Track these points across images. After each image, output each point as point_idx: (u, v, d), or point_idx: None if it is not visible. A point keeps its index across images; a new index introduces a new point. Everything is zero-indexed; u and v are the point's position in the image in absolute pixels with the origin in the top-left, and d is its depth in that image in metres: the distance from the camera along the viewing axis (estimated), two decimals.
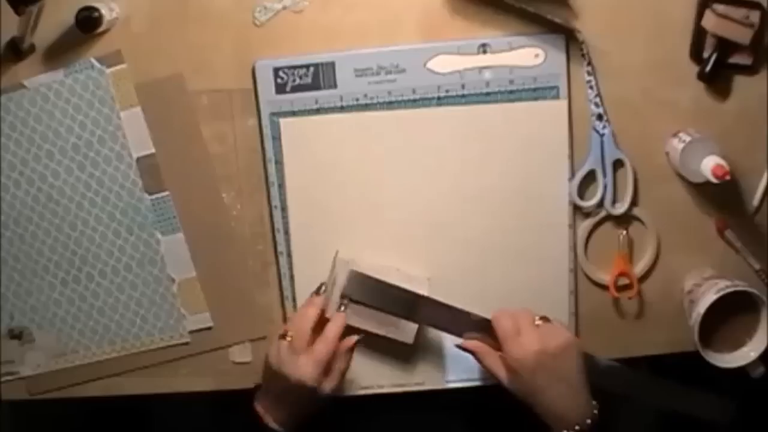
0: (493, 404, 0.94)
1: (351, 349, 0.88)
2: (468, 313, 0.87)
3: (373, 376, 0.95)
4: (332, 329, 0.86)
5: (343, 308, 0.89)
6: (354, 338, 0.88)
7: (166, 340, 0.97)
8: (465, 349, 0.87)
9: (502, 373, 0.84)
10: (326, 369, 0.85)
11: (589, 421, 0.81)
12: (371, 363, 0.94)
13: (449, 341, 0.93)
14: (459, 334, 0.88)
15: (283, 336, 0.86)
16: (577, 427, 0.81)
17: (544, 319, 0.84)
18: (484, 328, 0.86)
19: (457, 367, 0.94)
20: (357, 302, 0.88)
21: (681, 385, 0.90)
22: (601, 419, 0.82)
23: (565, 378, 0.82)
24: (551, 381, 0.81)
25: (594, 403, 0.83)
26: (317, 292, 0.89)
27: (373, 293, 0.88)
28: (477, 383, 0.95)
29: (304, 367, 0.84)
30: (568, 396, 0.82)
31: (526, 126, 0.90)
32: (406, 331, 0.91)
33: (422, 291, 0.90)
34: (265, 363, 0.87)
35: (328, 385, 0.86)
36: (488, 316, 0.86)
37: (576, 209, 0.93)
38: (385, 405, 0.96)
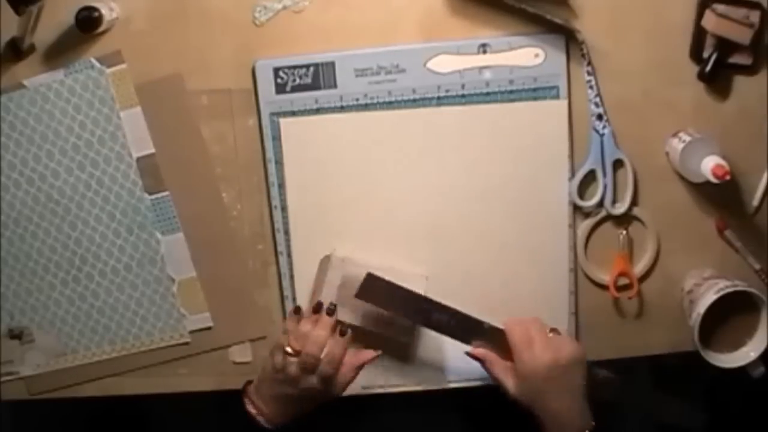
0: (493, 404, 0.94)
1: (361, 367, 0.88)
2: (480, 322, 0.87)
3: (373, 376, 0.95)
4: (337, 348, 0.84)
5: (348, 334, 0.86)
6: (369, 357, 0.88)
7: (166, 340, 0.97)
8: (474, 357, 0.87)
9: (509, 382, 0.85)
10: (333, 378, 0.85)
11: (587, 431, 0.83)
12: (371, 363, 0.94)
13: (449, 342, 0.93)
14: (468, 342, 0.88)
15: (290, 354, 0.84)
16: None
17: (554, 330, 0.86)
18: (493, 336, 0.86)
19: (458, 367, 0.94)
20: (369, 304, 0.88)
21: (664, 396, 0.93)
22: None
23: (571, 389, 0.83)
24: (559, 392, 0.83)
25: (590, 414, 0.84)
26: (316, 310, 0.87)
27: (386, 297, 0.87)
28: (477, 383, 0.95)
29: (314, 385, 0.84)
30: (571, 407, 0.83)
31: (526, 126, 0.90)
32: (405, 330, 0.91)
33: (420, 289, 0.90)
34: (266, 369, 0.87)
35: (334, 392, 0.86)
36: (498, 323, 0.86)
37: (576, 209, 0.93)
38: (385, 405, 0.96)
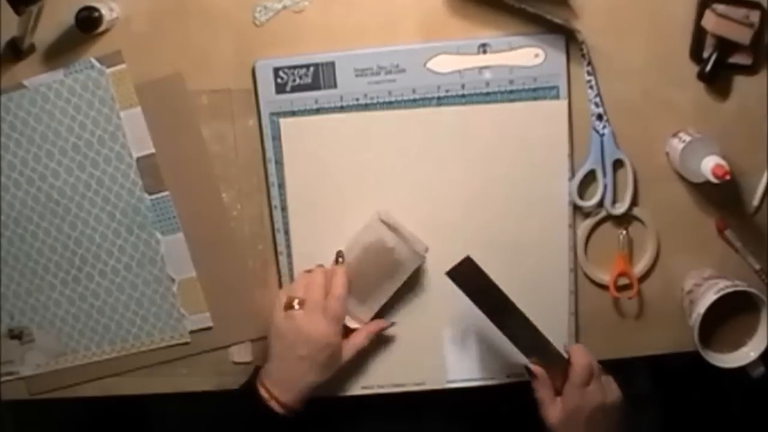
0: (493, 405, 0.94)
1: (376, 332, 0.91)
2: (548, 342, 0.86)
3: (373, 376, 0.95)
4: (338, 285, 0.87)
5: (341, 260, 0.90)
6: (385, 324, 0.91)
7: (166, 340, 0.97)
8: (530, 372, 0.86)
9: (552, 410, 0.84)
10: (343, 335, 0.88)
11: None
12: (371, 363, 0.94)
13: (449, 342, 0.93)
14: (529, 355, 0.86)
15: (290, 305, 0.87)
16: None
17: (603, 372, 0.86)
18: (553, 359, 0.86)
19: (458, 367, 0.94)
20: (457, 286, 0.85)
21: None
22: None
23: (605, 430, 0.85)
24: (595, 430, 0.84)
25: None
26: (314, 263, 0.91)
27: (475, 285, 0.85)
28: (477, 383, 0.95)
29: (326, 326, 0.86)
30: None
31: (526, 126, 0.90)
32: (415, 257, 0.90)
33: (418, 262, 0.91)
34: (273, 337, 0.88)
35: (346, 354, 0.89)
36: (560, 348, 0.86)
37: (576, 209, 0.93)
38: (384, 405, 0.96)
